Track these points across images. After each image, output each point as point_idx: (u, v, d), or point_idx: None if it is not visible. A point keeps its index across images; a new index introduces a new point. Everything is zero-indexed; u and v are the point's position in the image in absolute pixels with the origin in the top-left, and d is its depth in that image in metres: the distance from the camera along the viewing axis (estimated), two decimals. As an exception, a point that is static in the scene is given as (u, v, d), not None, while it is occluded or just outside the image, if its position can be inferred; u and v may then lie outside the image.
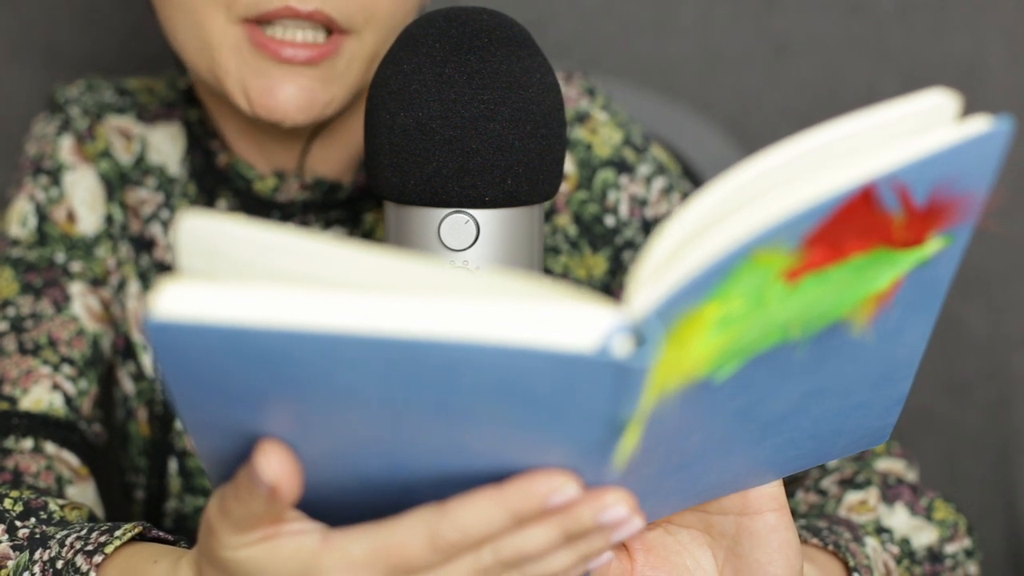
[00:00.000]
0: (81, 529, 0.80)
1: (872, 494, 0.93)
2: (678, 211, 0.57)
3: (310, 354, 0.56)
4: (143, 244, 1.04)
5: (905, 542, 0.92)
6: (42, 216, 1.03)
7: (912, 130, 0.62)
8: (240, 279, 0.58)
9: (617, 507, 0.61)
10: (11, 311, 1.00)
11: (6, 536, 0.83)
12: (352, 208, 1.01)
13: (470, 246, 0.80)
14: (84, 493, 0.96)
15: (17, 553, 0.81)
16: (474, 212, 0.80)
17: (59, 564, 0.78)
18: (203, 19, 0.89)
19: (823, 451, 0.75)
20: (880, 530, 0.91)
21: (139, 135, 1.05)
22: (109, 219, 1.04)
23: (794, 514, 0.94)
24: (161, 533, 0.79)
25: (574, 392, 0.57)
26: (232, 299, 0.56)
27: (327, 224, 1.01)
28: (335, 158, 1.01)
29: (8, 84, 1.36)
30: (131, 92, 1.08)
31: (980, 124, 0.61)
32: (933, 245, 0.64)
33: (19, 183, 1.06)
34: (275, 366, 0.57)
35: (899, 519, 0.93)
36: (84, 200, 1.04)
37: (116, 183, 1.05)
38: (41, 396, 0.96)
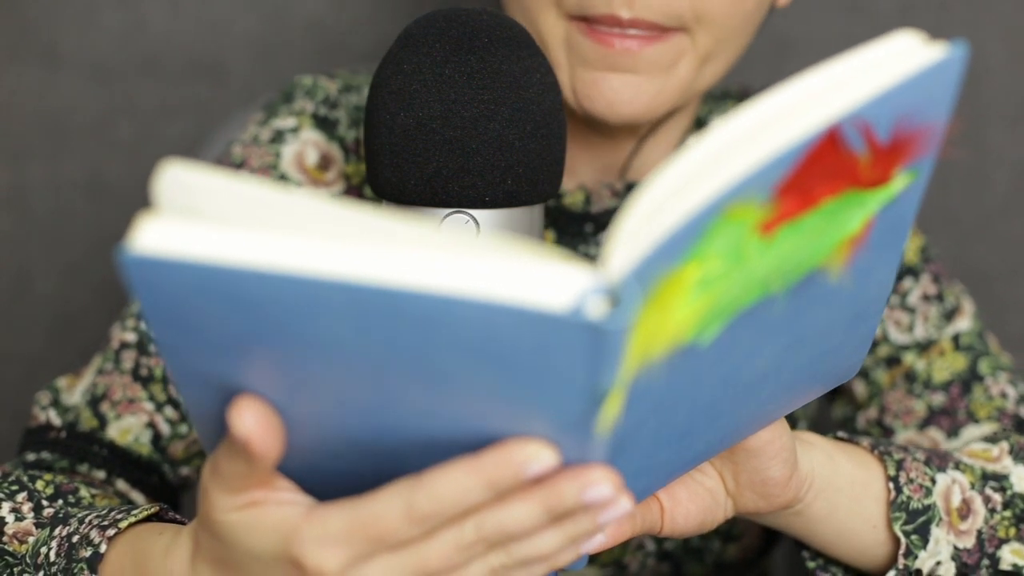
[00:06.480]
0: (102, 510, 0.81)
1: (1001, 448, 0.92)
2: (654, 174, 0.57)
3: (287, 298, 0.56)
4: None
5: (1021, 498, 0.90)
6: None
7: (871, 67, 0.61)
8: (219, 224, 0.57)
9: (602, 484, 0.60)
10: (144, 326, 0.96)
11: (32, 514, 0.84)
12: None
13: (470, 246, 0.80)
14: None
15: (39, 530, 0.82)
16: (474, 212, 0.80)
17: (75, 539, 0.78)
18: (535, 16, 0.91)
19: (800, 397, 0.76)
20: (988, 476, 0.89)
21: None
22: None
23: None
24: (177, 516, 0.80)
25: (550, 355, 0.56)
26: (210, 238, 0.55)
27: None
28: (655, 161, 0.99)
29: (8, 84, 1.36)
30: None
31: (936, 52, 0.61)
32: (899, 182, 0.64)
33: None
34: (252, 310, 0.56)
35: (1019, 475, 0.91)
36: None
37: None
38: (131, 428, 0.94)
